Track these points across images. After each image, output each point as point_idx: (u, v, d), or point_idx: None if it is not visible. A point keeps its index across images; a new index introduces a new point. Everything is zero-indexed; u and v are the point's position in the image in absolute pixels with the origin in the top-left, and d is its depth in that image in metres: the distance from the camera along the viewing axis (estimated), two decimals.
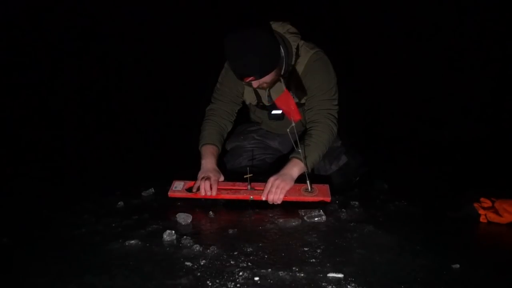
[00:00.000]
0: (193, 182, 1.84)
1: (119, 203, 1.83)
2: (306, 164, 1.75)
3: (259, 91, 1.96)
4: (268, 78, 1.75)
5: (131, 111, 5.23)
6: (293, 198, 1.72)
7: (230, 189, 1.80)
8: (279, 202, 1.70)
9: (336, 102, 1.92)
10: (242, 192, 1.77)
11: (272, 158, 2.24)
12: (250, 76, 1.69)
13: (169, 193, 1.83)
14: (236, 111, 2.11)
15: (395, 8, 4.41)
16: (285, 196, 1.69)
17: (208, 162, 1.87)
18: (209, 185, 1.76)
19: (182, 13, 4.90)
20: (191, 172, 1.89)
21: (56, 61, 4.86)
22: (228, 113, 2.05)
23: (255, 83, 1.76)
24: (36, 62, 4.72)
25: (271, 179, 1.71)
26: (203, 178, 1.79)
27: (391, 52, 4.59)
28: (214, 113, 2.03)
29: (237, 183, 1.84)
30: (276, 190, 1.68)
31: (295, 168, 1.75)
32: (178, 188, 1.84)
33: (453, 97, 4.41)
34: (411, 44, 4.58)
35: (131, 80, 5.22)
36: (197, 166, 1.89)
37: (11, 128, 4.24)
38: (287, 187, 1.70)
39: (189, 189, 1.83)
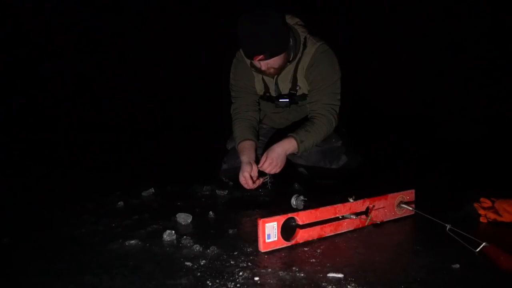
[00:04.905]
0: (282, 216, 1.30)
1: (119, 203, 1.83)
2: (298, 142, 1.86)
3: (267, 81, 2.00)
4: (276, 62, 1.79)
5: (131, 112, 5.23)
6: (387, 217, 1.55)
7: (329, 220, 1.41)
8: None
9: (339, 97, 1.97)
10: (345, 225, 1.44)
11: None
12: (260, 54, 1.73)
13: (261, 248, 1.24)
14: (258, 99, 2.15)
15: (395, 8, 4.42)
16: (383, 217, 1.53)
17: (244, 158, 1.92)
18: (245, 182, 1.86)
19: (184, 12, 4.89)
20: (191, 172, 1.88)
21: (55, 61, 4.86)
22: (251, 105, 2.11)
23: (263, 64, 1.78)
24: (35, 62, 4.72)
25: (267, 153, 1.84)
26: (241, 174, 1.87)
27: (392, 53, 4.59)
28: (238, 111, 2.10)
29: (337, 206, 1.43)
30: (271, 165, 1.83)
31: (288, 146, 1.86)
32: (272, 238, 1.27)
33: (453, 97, 4.41)
34: (413, 45, 4.58)
35: (131, 80, 5.23)
36: (197, 167, 1.88)
37: (11, 128, 4.24)
38: (280, 163, 1.86)
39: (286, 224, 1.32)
